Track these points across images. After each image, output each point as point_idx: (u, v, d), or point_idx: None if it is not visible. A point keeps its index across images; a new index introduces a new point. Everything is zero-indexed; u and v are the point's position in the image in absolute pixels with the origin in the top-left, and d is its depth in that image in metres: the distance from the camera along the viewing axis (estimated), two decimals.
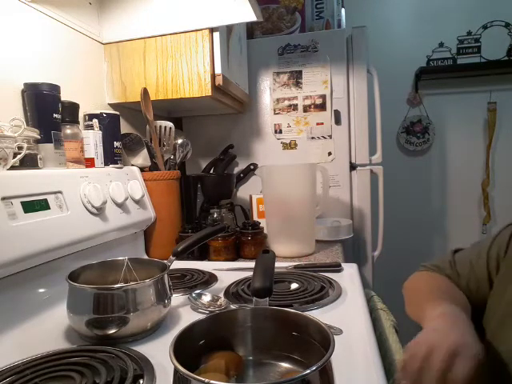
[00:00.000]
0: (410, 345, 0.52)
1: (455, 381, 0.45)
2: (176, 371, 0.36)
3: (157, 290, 0.61)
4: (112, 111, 1.02)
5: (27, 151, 0.72)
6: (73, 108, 0.91)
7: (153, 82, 1.09)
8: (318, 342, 0.42)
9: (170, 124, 1.17)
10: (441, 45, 2.14)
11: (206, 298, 0.74)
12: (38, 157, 0.77)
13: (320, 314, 0.67)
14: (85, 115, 0.97)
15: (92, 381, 0.46)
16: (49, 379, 0.47)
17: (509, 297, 0.60)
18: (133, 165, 1.11)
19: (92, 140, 0.94)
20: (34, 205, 0.70)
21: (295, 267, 0.95)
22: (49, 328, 0.65)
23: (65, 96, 0.87)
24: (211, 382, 0.32)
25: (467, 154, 2.18)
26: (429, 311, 0.61)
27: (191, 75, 1.06)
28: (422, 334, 0.53)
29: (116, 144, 1.01)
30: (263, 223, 1.15)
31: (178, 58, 1.07)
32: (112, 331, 0.57)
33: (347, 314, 0.67)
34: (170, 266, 0.68)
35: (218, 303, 0.72)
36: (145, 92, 1.06)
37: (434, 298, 0.65)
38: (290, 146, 1.44)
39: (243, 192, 1.48)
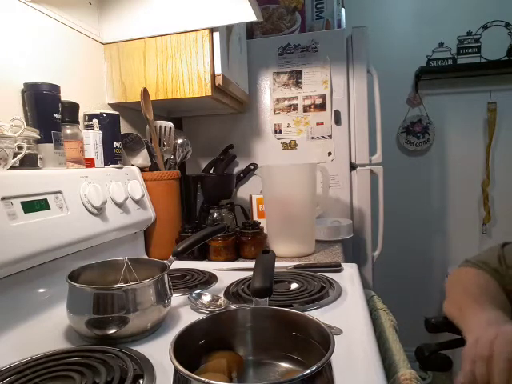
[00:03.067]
0: (465, 351, 0.53)
1: None
2: (176, 371, 0.36)
3: (157, 290, 0.61)
4: (112, 111, 1.02)
5: (27, 151, 0.72)
6: (73, 108, 0.91)
7: (153, 82, 1.09)
8: (318, 342, 0.42)
9: (170, 124, 1.17)
10: (441, 45, 2.14)
11: (206, 297, 0.74)
12: (38, 157, 0.77)
13: (320, 314, 0.67)
14: (85, 115, 0.97)
15: (92, 381, 0.46)
16: (49, 379, 0.47)
17: None
18: (133, 165, 1.11)
19: (92, 140, 0.94)
20: (34, 205, 0.70)
21: (295, 267, 0.95)
22: (49, 328, 0.65)
23: (65, 96, 0.87)
24: (211, 382, 0.32)
25: (467, 154, 2.18)
26: (473, 317, 0.61)
27: (191, 75, 1.06)
28: (472, 340, 0.54)
29: (116, 144, 1.01)
30: (263, 223, 1.15)
31: (178, 58, 1.07)
32: (112, 331, 0.57)
33: (347, 314, 0.67)
34: (169, 266, 0.68)
35: (218, 303, 0.72)
36: (145, 92, 1.06)
37: (477, 302, 0.65)
38: (290, 146, 1.44)
39: (243, 192, 1.48)
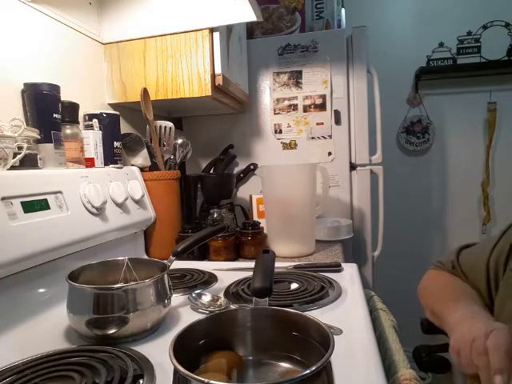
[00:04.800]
0: (452, 345, 0.55)
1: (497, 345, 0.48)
2: (176, 371, 0.36)
3: (157, 290, 0.61)
4: (112, 111, 1.02)
5: (27, 151, 0.72)
6: (73, 108, 0.91)
7: (153, 82, 1.09)
8: (318, 342, 0.42)
9: (170, 124, 1.17)
10: (441, 45, 2.14)
11: (206, 297, 0.74)
12: (38, 157, 0.77)
13: (320, 314, 0.67)
14: (85, 115, 0.97)
15: (92, 381, 0.46)
16: (49, 379, 0.47)
17: (508, 313, 0.60)
18: (133, 165, 1.11)
19: (92, 140, 0.94)
20: (34, 205, 0.70)
21: (295, 267, 0.95)
22: (49, 328, 0.65)
23: (65, 96, 0.87)
24: (211, 382, 0.32)
25: (467, 154, 2.18)
26: (448, 316, 0.63)
27: (191, 75, 1.06)
28: (454, 339, 0.56)
29: (116, 144, 1.01)
30: (263, 223, 1.15)
31: (178, 58, 1.07)
32: (112, 331, 0.57)
33: (347, 314, 0.67)
34: (169, 266, 0.68)
35: (218, 303, 0.72)
36: (145, 92, 1.06)
37: (449, 301, 0.66)
38: (290, 146, 1.44)
39: (243, 192, 1.48)
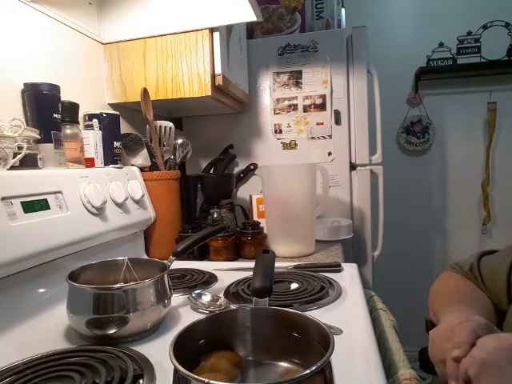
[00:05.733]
0: (431, 336, 0.56)
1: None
2: (176, 371, 0.36)
3: (157, 290, 0.61)
4: (112, 111, 1.02)
5: (27, 151, 0.72)
6: (73, 108, 0.91)
7: (153, 82, 1.09)
8: (318, 342, 0.42)
9: (170, 124, 1.17)
10: (441, 45, 2.14)
11: (206, 298, 0.74)
12: (38, 157, 0.77)
13: (320, 314, 0.67)
14: (85, 115, 0.97)
15: (92, 381, 0.46)
16: (49, 379, 0.47)
17: None
18: (133, 165, 1.11)
19: (92, 140, 0.94)
20: (34, 205, 0.70)
21: (295, 267, 0.95)
22: (49, 328, 0.65)
23: (65, 96, 0.87)
24: (211, 382, 0.32)
25: (467, 154, 2.18)
26: (442, 316, 0.63)
27: (191, 75, 1.06)
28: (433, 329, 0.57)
29: (116, 144, 1.01)
30: (263, 223, 1.15)
31: (178, 58, 1.07)
32: (112, 331, 0.57)
33: (347, 314, 0.67)
34: (169, 266, 0.68)
35: (218, 303, 0.72)
36: (145, 92, 1.06)
37: (450, 303, 0.66)
38: (290, 146, 1.44)
39: (243, 192, 1.48)
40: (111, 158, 1.00)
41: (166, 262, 0.69)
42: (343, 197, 1.42)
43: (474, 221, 2.20)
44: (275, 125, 1.44)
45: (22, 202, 0.68)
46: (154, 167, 1.14)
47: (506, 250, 0.72)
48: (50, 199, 0.74)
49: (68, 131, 0.88)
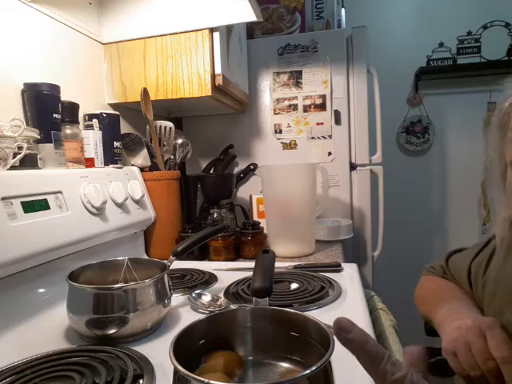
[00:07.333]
0: (445, 347, 0.55)
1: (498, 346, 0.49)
2: (176, 371, 0.36)
3: (157, 290, 0.61)
4: (112, 111, 1.02)
5: (27, 151, 0.72)
6: (73, 108, 0.91)
7: (153, 82, 1.09)
8: (318, 342, 0.42)
9: (170, 124, 1.17)
10: (441, 45, 2.14)
11: (206, 297, 0.74)
12: (38, 157, 0.77)
13: (320, 314, 0.67)
14: (85, 115, 0.97)
15: (92, 381, 0.46)
16: (49, 379, 0.47)
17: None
18: (133, 165, 1.11)
19: (92, 140, 0.94)
20: (34, 205, 0.70)
21: (295, 267, 0.95)
22: (49, 328, 0.65)
23: (65, 96, 0.87)
24: (211, 382, 0.32)
25: (467, 154, 2.18)
26: (434, 315, 0.64)
27: (191, 75, 1.06)
28: (446, 339, 0.56)
29: (116, 144, 1.01)
30: (263, 223, 1.15)
31: (178, 58, 1.07)
32: (112, 331, 0.57)
33: (347, 314, 0.67)
34: (169, 266, 0.68)
35: (218, 303, 0.72)
36: (145, 92, 1.06)
37: (437, 301, 0.67)
38: (290, 146, 1.44)
39: (243, 192, 1.48)
40: (111, 158, 1.00)
41: (165, 262, 0.69)
42: (343, 197, 1.42)
43: (473, 221, 2.20)
44: (275, 125, 1.44)
45: (22, 202, 0.68)
46: (154, 167, 1.14)
47: (470, 249, 0.73)
48: (50, 199, 0.74)
49: (68, 131, 0.88)
